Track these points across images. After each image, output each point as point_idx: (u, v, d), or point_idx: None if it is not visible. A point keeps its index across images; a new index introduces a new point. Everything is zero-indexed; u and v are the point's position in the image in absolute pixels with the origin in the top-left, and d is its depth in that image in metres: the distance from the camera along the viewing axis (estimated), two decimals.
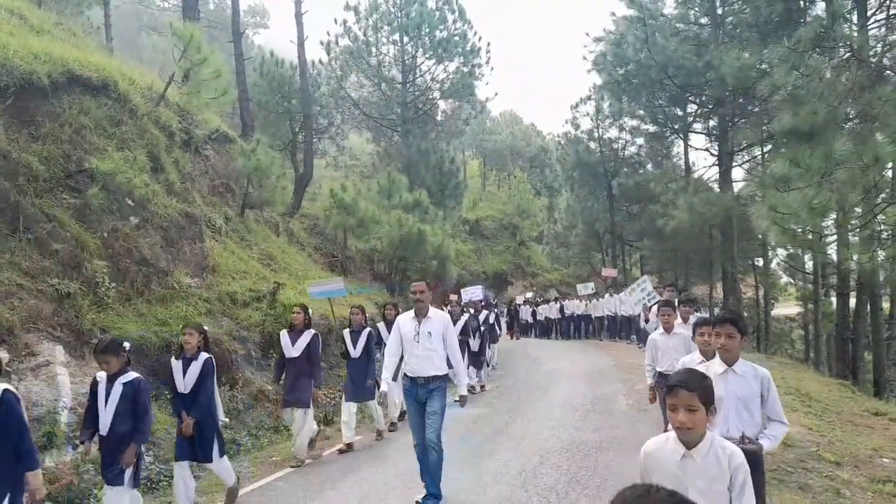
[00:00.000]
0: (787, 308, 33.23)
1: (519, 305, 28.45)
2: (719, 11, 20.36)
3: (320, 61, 25.78)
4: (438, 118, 29.29)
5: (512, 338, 25.06)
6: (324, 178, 29.45)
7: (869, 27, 13.00)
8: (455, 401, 6.03)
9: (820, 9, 16.59)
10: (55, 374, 6.84)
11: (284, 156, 22.26)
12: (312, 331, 7.70)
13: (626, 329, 20.86)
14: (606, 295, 22.91)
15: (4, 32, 9.69)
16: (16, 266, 7.44)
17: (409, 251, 19.17)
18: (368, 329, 8.63)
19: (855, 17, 13.21)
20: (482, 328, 12.74)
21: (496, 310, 16.66)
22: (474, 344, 12.11)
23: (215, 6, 49.23)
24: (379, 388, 8.59)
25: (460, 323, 12.46)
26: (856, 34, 12.31)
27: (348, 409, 8.14)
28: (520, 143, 52.78)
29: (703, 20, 21.21)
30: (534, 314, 27.32)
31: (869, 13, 13.27)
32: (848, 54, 11.69)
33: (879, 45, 12.97)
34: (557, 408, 9.94)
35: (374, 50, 25.78)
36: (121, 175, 9.32)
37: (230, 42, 20.81)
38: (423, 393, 5.71)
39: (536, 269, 40.20)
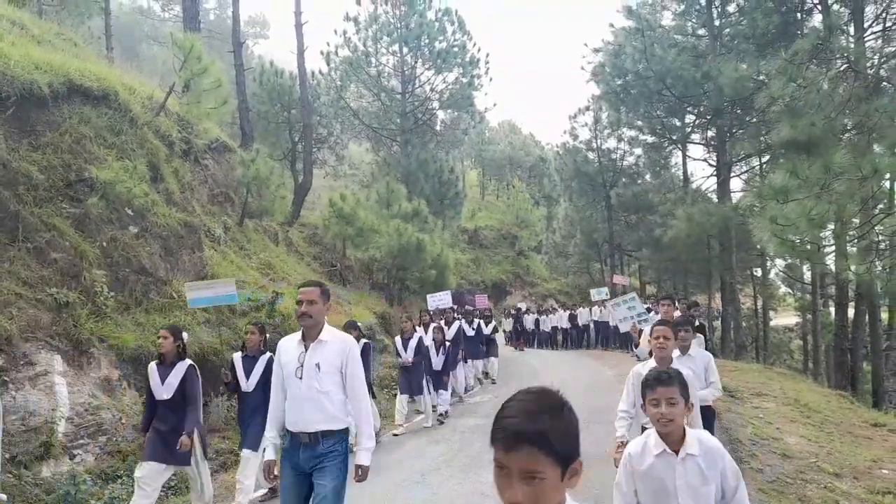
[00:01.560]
0: (785, 318, 33.25)
1: (523, 314, 27.02)
2: (717, 23, 20.51)
3: (320, 71, 25.90)
4: (437, 128, 29.37)
5: (517, 349, 23.79)
6: (323, 188, 29.50)
7: (866, 39, 13.10)
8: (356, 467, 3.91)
9: (817, 21, 16.76)
10: (53, 384, 6.82)
11: (284, 165, 22.31)
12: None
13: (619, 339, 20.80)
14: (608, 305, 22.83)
15: (6, 42, 9.73)
16: (14, 275, 7.44)
17: (408, 261, 19.17)
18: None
19: (852, 29, 13.32)
20: (446, 343, 11.01)
21: (479, 320, 15.04)
22: (437, 362, 10.61)
23: (216, 17, 49.49)
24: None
25: (453, 330, 12.31)
26: (853, 46, 12.40)
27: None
28: (518, 153, 52.96)
29: (701, 31, 21.36)
30: (537, 323, 26.25)
31: (866, 25, 13.38)
32: (845, 66, 11.77)
33: (876, 57, 13.06)
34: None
35: (373, 60, 25.89)
36: (120, 184, 9.33)
37: (230, 52, 20.89)
38: (308, 459, 3.82)
39: (535, 278, 40.22)
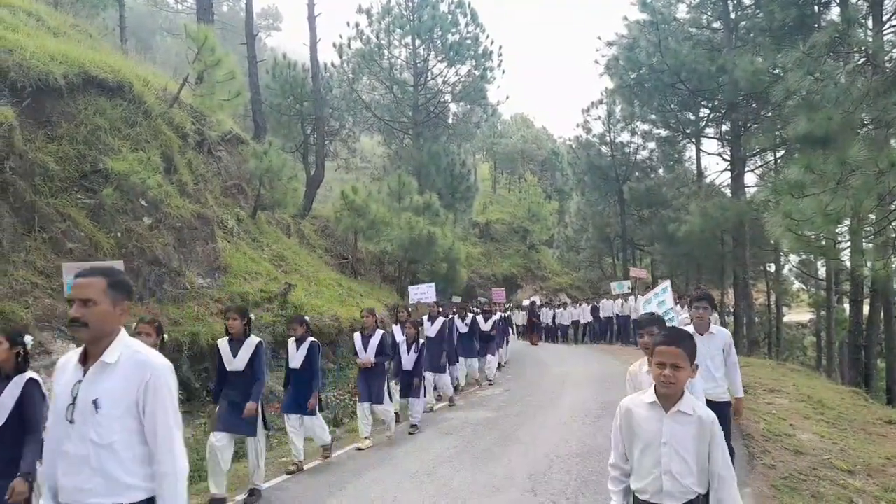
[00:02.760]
0: (799, 314, 33.02)
1: (539, 307, 26.36)
2: (732, 16, 20.29)
3: (332, 64, 25.93)
4: (449, 121, 29.35)
5: (533, 343, 23.08)
6: (335, 180, 29.60)
7: (885, 32, 12.91)
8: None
9: (835, 14, 16.54)
10: None
11: (296, 158, 22.39)
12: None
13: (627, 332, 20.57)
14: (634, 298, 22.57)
15: (22, 34, 9.80)
16: (31, 265, 7.51)
17: (419, 253, 19.20)
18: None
19: (870, 23, 13.14)
20: (419, 341, 9.37)
21: (473, 314, 13.82)
22: (407, 360, 9.13)
23: (229, 9, 49.60)
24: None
25: (437, 326, 10.76)
26: (871, 39, 12.23)
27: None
28: (531, 147, 52.77)
29: (716, 24, 21.15)
30: (554, 317, 25.54)
31: (884, 18, 13.18)
32: (863, 59, 11.62)
33: (895, 51, 12.88)
34: (567, 412, 9.91)
35: (386, 53, 25.89)
36: (135, 176, 9.40)
37: (243, 44, 20.95)
38: None
39: (547, 272, 40.12)
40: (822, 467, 6.61)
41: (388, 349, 8.31)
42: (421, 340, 9.35)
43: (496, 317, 14.69)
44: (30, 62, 8.84)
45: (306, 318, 7.59)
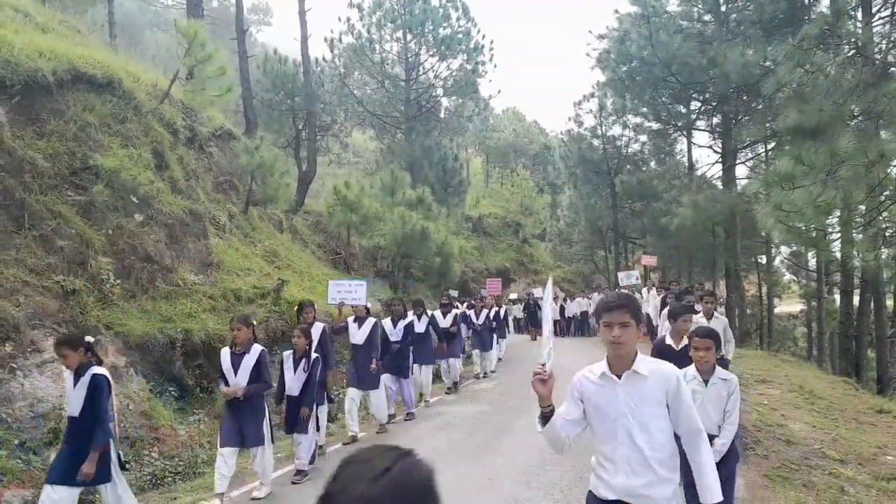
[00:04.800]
0: (790, 305, 33.18)
1: (540, 300, 24.60)
2: (723, 8, 20.33)
3: (324, 59, 25.80)
4: (441, 115, 29.28)
5: (533, 338, 22.05)
6: (327, 176, 29.51)
7: (874, 24, 12.96)
8: None
9: (824, 6, 16.59)
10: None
11: (288, 153, 22.29)
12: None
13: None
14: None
15: (10, 30, 9.72)
16: (21, 263, 7.47)
17: (413, 248, 19.18)
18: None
19: (860, 14, 13.17)
20: (311, 355, 6.75)
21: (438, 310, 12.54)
22: (293, 383, 6.68)
23: (219, 4, 49.23)
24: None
25: (365, 329, 8.69)
26: (860, 31, 12.27)
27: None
28: (523, 141, 52.79)
29: (707, 17, 21.17)
30: (562, 310, 24.82)
31: (874, 10, 13.23)
32: (853, 51, 11.64)
33: (884, 42, 12.93)
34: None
35: (377, 47, 25.78)
36: (125, 172, 9.35)
37: (234, 39, 20.81)
38: None
39: (539, 266, 40.19)
40: (814, 457, 6.67)
41: (265, 374, 6.05)
42: (314, 355, 6.78)
43: (457, 311, 12.95)
44: (18, 59, 8.77)
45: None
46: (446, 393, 11.87)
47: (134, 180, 9.46)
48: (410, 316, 10.16)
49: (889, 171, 9.11)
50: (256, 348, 6.01)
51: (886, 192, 9.98)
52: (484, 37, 25.94)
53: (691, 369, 4.24)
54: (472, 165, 50.09)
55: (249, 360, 5.91)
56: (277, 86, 23.27)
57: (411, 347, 9.88)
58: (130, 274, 9.00)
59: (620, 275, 21.50)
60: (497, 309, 15.57)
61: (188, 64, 11.85)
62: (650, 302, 14.53)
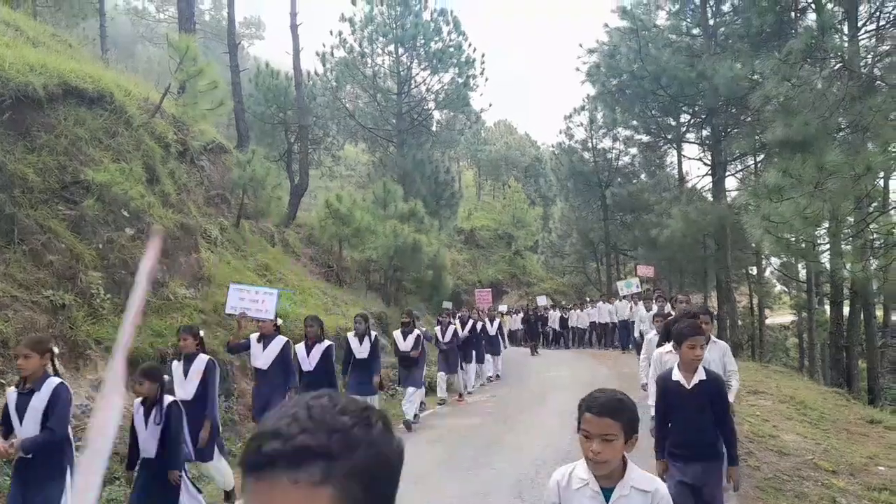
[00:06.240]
0: (781, 317, 33.34)
1: (546, 310, 24.69)
2: (711, 22, 20.57)
3: (316, 72, 25.92)
4: (433, 128, 29.41)
5: (533, 352, 21.22)
6: (319, 189, 29.51)
7: (859, 38, 13.14)
8: None
9: (811, 20, 16.78)
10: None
11: (280, 166, 22.30)
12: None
13: (622, 338, 20.40)
14: (599, 303, 22.72)
15: (0, 44, 9.71)
16: (10, 277, 7.42)
17: (405, 261, 19.18)
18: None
19: (846, 28, 13.36)
20: (164, 404, 4.85)
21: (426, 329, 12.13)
22: (146, 435, 4.81)
23: (211, 17, 49.39)
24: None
25: (271, 350, 7.38)
26: (846, 45, 12.44)
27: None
28: (514, 153, 53.05)
29: (696, 31, 21.41)
30: (564, 322, 24.11)
31: (859, 24, 13.42)
32: (839, 65, 11.81)
33: (870, 56, 13.12)
34: (555, 417, 9.93)
35: (369, 61, 25.92)
36: (116, 186, 9.32)
37: (226, 53, 20.87)
38: None
39: (531, 278, 40.25)
40: (806, 468, 6.69)
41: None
42: (168, 400, 4.89)
43: (419, 331, 10.69)
44: (8, 73, 8.75)
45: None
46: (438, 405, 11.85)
47: (125, 194, 9.43)
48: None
49: (876, 183, 9.22)
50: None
51: (874, 204, 10.09)
52: (475, 50, 26.17)
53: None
54: (464, 178, 50.28)
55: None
56: (269, 99, 23.34)
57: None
58: (121, 288, 8.95)
59: (619, 283, 20.51)
60: (482, 322, 15.32)
61: (180, 78, 11.86)
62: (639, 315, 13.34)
